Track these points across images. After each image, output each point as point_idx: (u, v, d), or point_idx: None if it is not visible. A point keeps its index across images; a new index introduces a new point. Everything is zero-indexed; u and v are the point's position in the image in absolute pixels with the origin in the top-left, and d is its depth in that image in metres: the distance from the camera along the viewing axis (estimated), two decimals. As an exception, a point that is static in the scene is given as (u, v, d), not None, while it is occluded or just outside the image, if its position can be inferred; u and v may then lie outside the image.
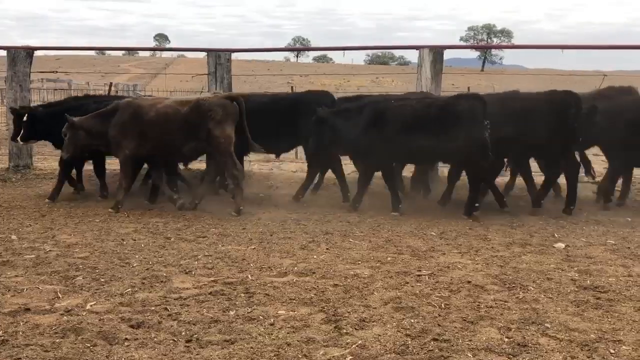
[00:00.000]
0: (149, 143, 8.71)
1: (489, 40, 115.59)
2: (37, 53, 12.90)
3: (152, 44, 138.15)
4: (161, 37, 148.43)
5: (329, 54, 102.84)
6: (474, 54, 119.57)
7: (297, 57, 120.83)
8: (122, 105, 8.88)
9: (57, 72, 15.13)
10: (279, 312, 4.82)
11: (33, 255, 6.42)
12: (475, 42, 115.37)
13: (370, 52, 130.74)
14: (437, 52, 11.33)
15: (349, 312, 4.81)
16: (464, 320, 4.67)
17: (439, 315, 4.76)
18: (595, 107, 8.85)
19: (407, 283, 5.58)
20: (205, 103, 8.64)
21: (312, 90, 10.84)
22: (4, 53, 12.48)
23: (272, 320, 4.63)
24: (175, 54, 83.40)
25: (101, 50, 73.78)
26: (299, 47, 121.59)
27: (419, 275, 5.82)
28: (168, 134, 8.61)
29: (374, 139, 8.63)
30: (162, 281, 5.57)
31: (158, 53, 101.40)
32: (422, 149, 8.59)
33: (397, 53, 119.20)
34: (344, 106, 9.37)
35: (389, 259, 6.41)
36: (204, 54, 12.76)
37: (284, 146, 10.31)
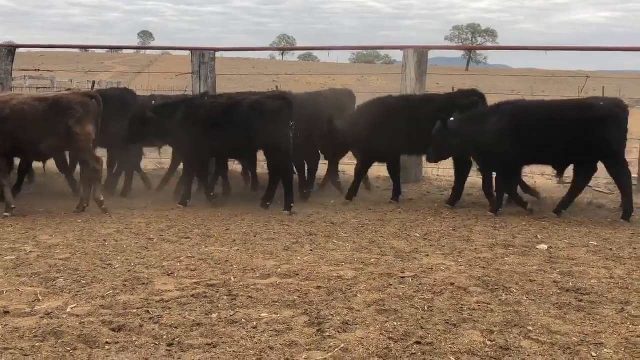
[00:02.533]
0: (4, 141, 8.52)
1: (473, 40, 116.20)
2: (20, 49, 12.78)
3: (136, 40, 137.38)
4: (145, 35, 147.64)
5: (315, 52, 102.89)
6: (458, 53, 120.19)
7: (282, 55, 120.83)
8: None
9: (39, 70, 14.96)
10: (262, 314, 4.79)
11: (13, 257, 6.34)
12: (460, 41, 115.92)
13: (355, 50, 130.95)
14: (421, 52, 11.34)
15: (332, 314, 4.80)
16: (447, 323, 4.67)
17: (422, 318, 4.76)
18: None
19: (391, 285, 5.58)
20: (65, 100, 8.63)
21: (123, 87, 10.88)
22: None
23: (254, 323, 4.61)
24: (159, 51, 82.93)
25: (85, 48, 73.03)
26: (285, 46, 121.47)
27: (402, 277, 5.81)
28: (25, 131, 8.48)
29: (188, 135, 9.02)
30: (144, 283, 5.52)
31: (142, 50, 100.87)
32: (229, 146, 9.16)
33: (382, 52, 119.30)
34: (165, 102, 9.77)
35: (372, 260, 6.40)
36: (188, 51, 12.69)
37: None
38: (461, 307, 5.01)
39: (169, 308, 4.90)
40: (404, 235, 7.58)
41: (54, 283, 5.51)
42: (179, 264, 6.14)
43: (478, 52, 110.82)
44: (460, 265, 6.26)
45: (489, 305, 5.06)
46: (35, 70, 15.17)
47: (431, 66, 12.53)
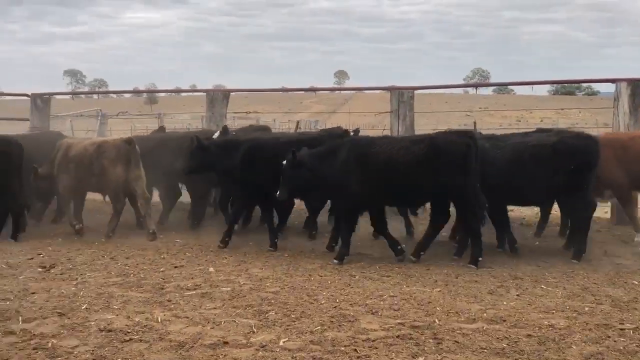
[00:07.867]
0: None
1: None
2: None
3: (332, 80, 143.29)
4: (341, 74, 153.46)
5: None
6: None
7: (476, 89, 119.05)
8: None
9: (249, 112, 16.08)
10: (470, 361, 4.66)
11: (229, 288, 6.77)
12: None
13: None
14: (635, 85, 10.58)
15: (545, 366, 4.54)
16: (680, 385, 4.22)
17: (649, 377, 4.34)
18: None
19: (609, 337, 5.17)
20: None
21: None
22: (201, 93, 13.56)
23: (463, 369, 4.49)
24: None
25: (289, 91, 76.66)
26: (478, 82, 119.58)
27: (621, 329, 5.36)
28: None
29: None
30: (349, 320, 5.62)
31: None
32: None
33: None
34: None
35: (586, 309, 5.98)
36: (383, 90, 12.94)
37: None
38: (695, 368, 4.50)
39: (376, 347, 4.93)
40: (620, 282, 7.01)
41: (266, 316, 5.79)
42: (382, 303, 6.18)
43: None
44: (690, 320, 5.64)
45: None
46: (245, 112, 16.30)
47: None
